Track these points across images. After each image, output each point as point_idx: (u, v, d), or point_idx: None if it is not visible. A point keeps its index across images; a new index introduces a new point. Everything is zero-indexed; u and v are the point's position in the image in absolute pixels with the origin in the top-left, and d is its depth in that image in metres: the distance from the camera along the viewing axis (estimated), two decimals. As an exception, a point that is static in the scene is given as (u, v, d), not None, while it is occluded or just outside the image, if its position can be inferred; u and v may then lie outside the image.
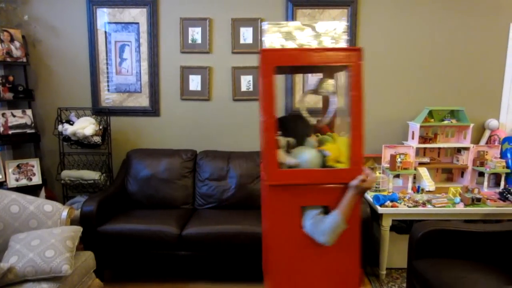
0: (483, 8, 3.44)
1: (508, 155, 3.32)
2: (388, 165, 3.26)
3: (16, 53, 3.22)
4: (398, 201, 2.97)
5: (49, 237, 2.05)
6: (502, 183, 3.29)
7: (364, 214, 2.76)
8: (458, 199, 3.01)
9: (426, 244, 2.34)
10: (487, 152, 3.39)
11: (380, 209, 2.87)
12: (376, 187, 3.21)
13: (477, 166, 3.33)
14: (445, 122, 3.40)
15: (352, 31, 3.42)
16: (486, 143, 3.55)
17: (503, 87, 3.55)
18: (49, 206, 2.29)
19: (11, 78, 3.26)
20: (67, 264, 1.96)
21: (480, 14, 3.44)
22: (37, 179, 3.28)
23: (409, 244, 2.43)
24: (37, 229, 2.18)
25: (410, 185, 3.26)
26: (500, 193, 3.11)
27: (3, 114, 3.19)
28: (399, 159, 3.22)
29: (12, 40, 3.20)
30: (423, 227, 2.38)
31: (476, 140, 3.57)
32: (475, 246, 2.33)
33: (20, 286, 1.89)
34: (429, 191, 3.18)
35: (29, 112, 3.32)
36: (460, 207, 2.92)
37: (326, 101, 2.07)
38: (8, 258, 1.95)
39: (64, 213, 2.29)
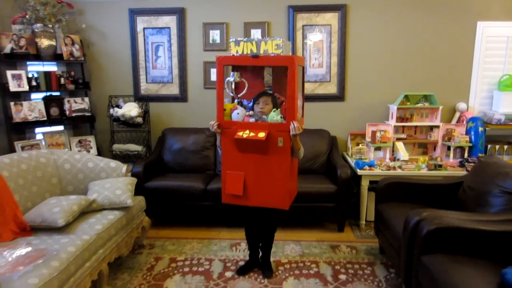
0: (454, 8, 4.09)
1: (472, 132, 4.02)
2: (370, 139, 4.04)
3: (76, 53, 4.13)
4: (375, 166, 3.76)
5: (116, 182, 2.95)
6: (466, 155, 4.02)
7: (345, 175, 3.58)
8: (424, 165, 3.77)
9: (387, 192, 3.12)
10: (454, 129, 4.12)
11: (359, 172, 3.67)
12: (359, 157, 4.01)
13: (446, 141, 4.06)
14: (419, 104, 4.13)
15: (342, 30, 4.19)
16: (457, 122, 4.27)
17: (471, 76, 4.25)
18: (113, 163, 3.18)
19: (72, 73, 4.17)
20: (130, 199, 2.86)
21: (451, 13, 4.10)
22: (94, 151, 4.21)
23: (375, 192, 3.22)
24: (106, 178, 3.09)
25: (388, 155, 4.02)
26: (460, 162, 3.86)
27: (68, 101, 4.12)
28: (378, 134, 3.99)
29: (73, 43, 4.11)
30: (386, 180, 3.18)
31: (448, 120, 4.29)
32: (423, 194, 3.10)
33: (100, 212, 2.78)
34: (403, 161, 3.94)
35: (86, 99, 4.23)
36: (424, 171, 3.69)
37: None
38: (91, 194, 2.85)
39: (124, 169, 3.18)
